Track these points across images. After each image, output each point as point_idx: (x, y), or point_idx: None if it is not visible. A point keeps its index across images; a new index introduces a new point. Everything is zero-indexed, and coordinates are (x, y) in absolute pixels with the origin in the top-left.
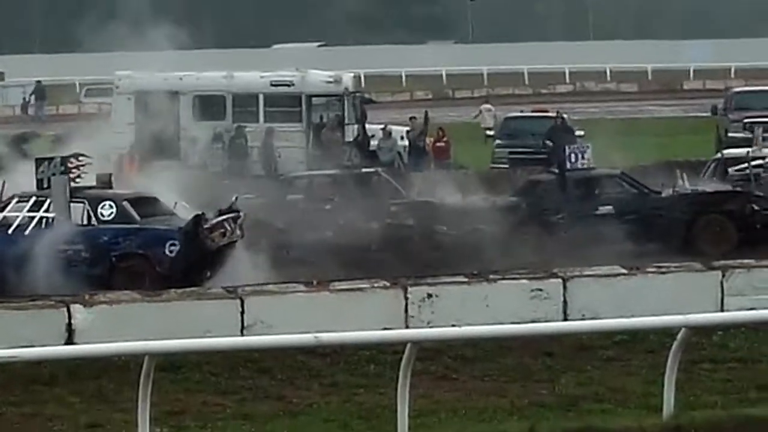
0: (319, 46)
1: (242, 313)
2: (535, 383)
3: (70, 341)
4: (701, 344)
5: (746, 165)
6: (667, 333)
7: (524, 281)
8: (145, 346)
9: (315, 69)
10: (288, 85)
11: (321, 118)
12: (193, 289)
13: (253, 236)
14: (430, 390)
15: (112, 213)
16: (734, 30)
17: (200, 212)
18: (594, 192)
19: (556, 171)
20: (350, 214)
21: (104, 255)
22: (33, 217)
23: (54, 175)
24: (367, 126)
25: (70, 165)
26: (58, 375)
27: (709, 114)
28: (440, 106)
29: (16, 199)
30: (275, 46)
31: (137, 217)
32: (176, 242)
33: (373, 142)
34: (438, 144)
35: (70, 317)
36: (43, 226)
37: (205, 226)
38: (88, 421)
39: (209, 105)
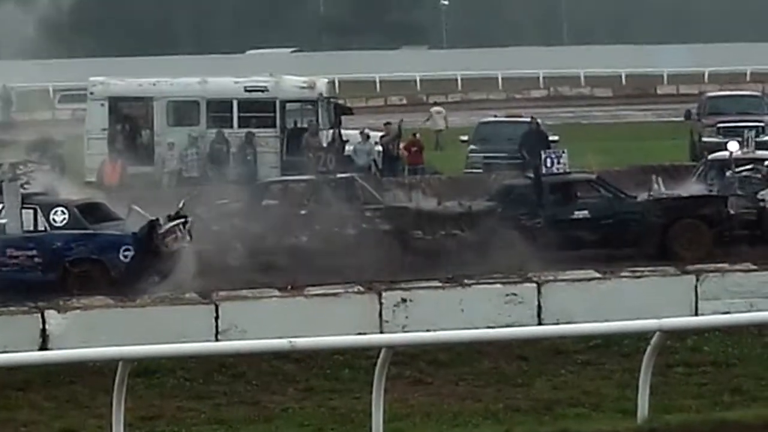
0: (293, 51)
1: (216, 318)
2: (509, 387)
3: (44, 347)
4: (675, 348)
5: (747, 167)
6: (642, 337)
7: (498, 286)
8: (119, 351)
9: (289, 75)
10: (262, 91)
11: (295, 123)
12: (167, 294)
13: (225, 241)
14: (404, 394)
15: (64, 219)
16: (708, 35)
17: (155, 218)
18: (570, 196)
19: (532, 176)
20: (325, 220)
21: (58, 260)
22: None
23: (2, 181)
24: (342, 131)
25: (18, 171)
26: (32, 381)
27: (682, 118)
28: (415, 111)
29: None
30: (249, 52)
31: (87, 224)
32: (130, 247)
33: (349, 147)
34: (412, 149)
35: (44, 323)
36: None
37: (160, 232)
38: (62, 427)
39: (183, 110)
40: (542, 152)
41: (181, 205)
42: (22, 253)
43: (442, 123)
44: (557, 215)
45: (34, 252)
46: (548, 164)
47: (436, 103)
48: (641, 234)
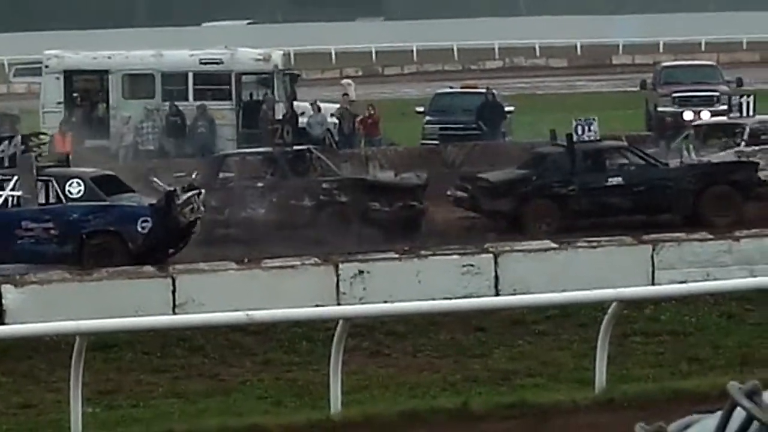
0: (249, 23)
1: (174, 291)
2: (467, 358)
3: (0, 321)
4: (633, 318)
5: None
6: (599, 307)
7: (455, 257)
8: (76, 325)
9: (244, 47)
10: (217, 63)
11: (251, 96)
12: (124, 268)
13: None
14: (362, 366)
15: (80, 191)
16: (663, 4)
17: (172, 188)
18: (602, 164)
19: (564, 144)
20: (282, 192)
21: (74, 232)
22: None
23: (14, 153)
24: (295, 103)
25: (30, 143)
26: None
27: (638, 88)
28: (370, 83)
29: None
30: (204, 24)
31: (104, 195)
32: (148, 219)
33: (303, 119)
34: (368, 120)
35: (0, 297)
36: (9, 204)
37: (178, 203)
38: (19, 401)
39: (138, 83)
40: (573, 120)
41: (194, 176)
42: (38, 226)
43: (353, 94)
44: (590, 183)
45: (50, 224)
46: (579, 132)
47: (347, 76)
48: (674, 201)
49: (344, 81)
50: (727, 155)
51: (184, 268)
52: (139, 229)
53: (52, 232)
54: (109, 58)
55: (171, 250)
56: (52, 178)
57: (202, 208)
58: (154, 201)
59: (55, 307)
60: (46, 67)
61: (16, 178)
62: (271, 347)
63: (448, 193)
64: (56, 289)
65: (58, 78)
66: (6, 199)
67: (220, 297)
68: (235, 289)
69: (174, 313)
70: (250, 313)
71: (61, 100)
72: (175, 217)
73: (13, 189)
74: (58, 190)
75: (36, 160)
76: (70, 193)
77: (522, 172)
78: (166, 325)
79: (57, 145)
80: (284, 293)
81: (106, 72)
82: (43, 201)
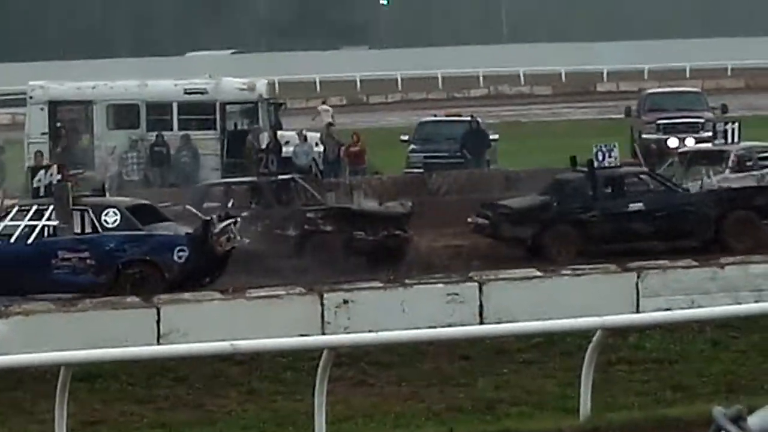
0: (233, 53)
1: (158, 322)
2: (452, 387)
3: None
4: (617, 346)
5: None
6: (584, 335)
7: (440, 285)
8: (61, 356)
9: (229, 76)
10: (202, 93)
11: (235, 125)
12: (108, 298)
13: None
14: (347, 396)
15: (116, 220)
16: (647, 32)
17: (209, 217)
18: (623, 189)
19: (585, 169)
20: (267, 221)
21: (110, 262)
22: (34, 226)
23: (50, 183)
24: (280, 132)
25: (66, 173)
26: None
27: (622, 116)
28: (355, 111)
29: (16, 209)
30: (189, 54)
31: (139, 225)
32: (185, 248)
33: (289, 148)
34: (352, 149)
35: None
36: (46, 234)
37: (214, 232)
38: None
39: (123, 114)
40: (594, 145)
41: (230, 204)
42: (74, 255)
43: (329, 120)
44: (612, 208)
45: (87, 254)
46: (600, 158)
47: (324, 102)
48: (695, 226)
49: (321, 107)
50: (747, 180)
51: (168, 298)
52: (176, 258)
53: (89, 261)
54: (94, 88)
55: (207, 279)
56: (87, 208)
57: (238, 237)
58: (190, 230)
59: (39, 337)
60: (31, 98)
61: (51, 207)
62: (256, 377)
63: (469, 220)
64: (41, 320)
65: (42, 108)
66: (42, 229)
67: (204, 327)
68: (219, 319)
69: (159, 343)
70: (234, 343)
71: (46, 130)
72: (212, 246)
73: (49, 218)
74: (94, 220)
75: (71, 190)
76: (106, 222)
77: (543, 198)
78: (151, 355)
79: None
80: (269, 323)
81: (91, 102)
82: (79, 231)
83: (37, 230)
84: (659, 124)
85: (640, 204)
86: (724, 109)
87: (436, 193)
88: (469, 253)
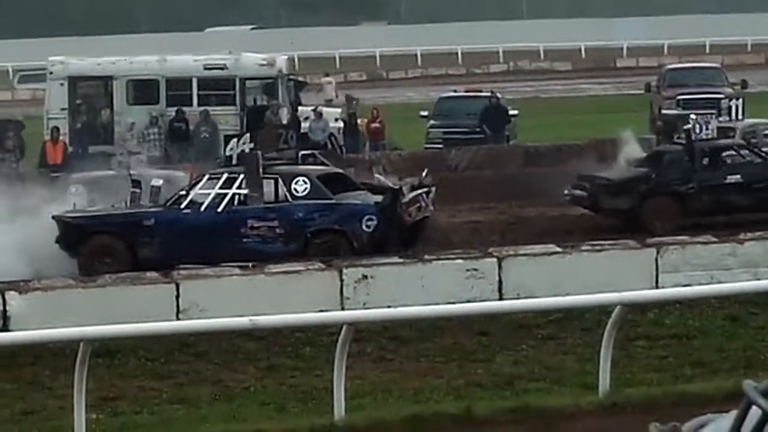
0: (252, 29)
1: (177, 297)
2: (471, 363)
3: (4, 328)
4: (636, 321)
5: None
6: (603, 311)
7: (459, 261)
8: (80, 332)
9: (248, 52)
10: (221, 69)
11: (255, 101)
12: (127, 274)
13: None
14: (366, 371)
15: (306, 189)
16: (667, 7)
17: (397, 187)
18: (721, 161)
19: (683, 141)
20: None
21: (299, 231)
22: (225, 194)
23: (243, 151)
24: (300, 108)
25: (259, 141)
26: None
27: (642, 91)
28: (374, 87)
29: (207, 176)
30: (208, 30)
31: (330, 193)
32: (373, 217)
33: (305, 125)
34: (372, 125)
35: (4, 304)
36: (236, 203)
37: (403, 201)
38: (23, 408)
39: (143, 89)
40: (691, 118)
41: (424, 174)
42: (264, 224)
43: (332, 92)
44: (710, 180)
45: (276, 223)
46: (698, 130)
47: (327, 74)
48: None
49: (324, 79)
50: None
51: (187, 273)
52: (364, 227)
53: (278, 230)
54: (113, 63)
55: (398, 248)
56: (278, 176)
57: (431, 207)
58: (379, 199)
59: (58, 313)
60: (51, 73)
61: (242, 176)
62: (275, 353)
63: (566, 192)
64: (60, 296)
65: (62, 84)
66: (233, 197)
67: (223, 302)
68: (238, 294)
69: (178, 318)
70: (253, 318)
71: (66, 106)
72: (400, 215)
73: (239, 187)
74: (284, 188)
75: (262, 158)
76: (296, 191)
77: (641, 170)
78: (170, 330)
79: (48, 154)
80: (288, 298)
81: (111, 78)
82: (269, 199)
83: (227, 198)
84: (679, 100)
85: (738, 176)
86: (744, 84)
87: (455, 169)
88: (489, 229)
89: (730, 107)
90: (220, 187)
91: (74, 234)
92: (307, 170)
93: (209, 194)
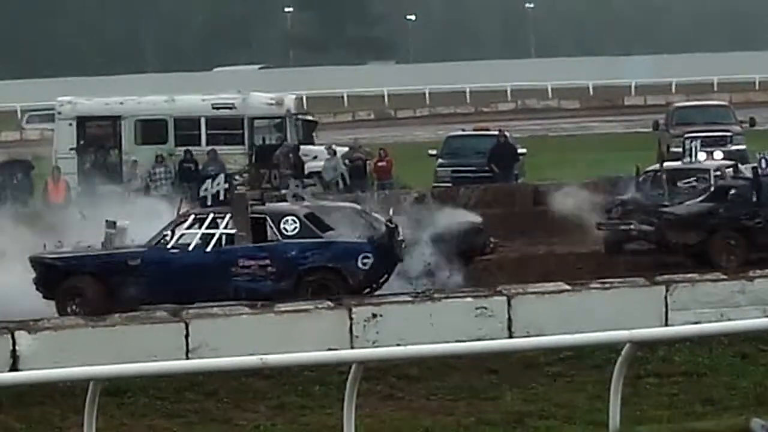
0: (261, 68)
1: (187, 336)
2: (481, 401)
3: (14, 368)
4: (646, 359)
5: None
6: (613, 348)
7: (469, 299)
8: (90, 371)
9: (257, 91)
10: (230, 108)
11: (263, 140)
12: (136, 313)
13: None
14: (376, 409)
15: (295, 228)
16: (673, 45)
17: (394, 224)
18: None
19: (750, 176)
20: None
21: (292, 269)
22: (212, 235)
23: (218, 192)
24: (309, 147)
25: (234, 182)
26: (2, 401)
27: (650, 129)
28: (382, 126)
29: (192, 217)
30: (216, 69)
31: (318, 232)
32: (369, 255)
33: (319, 162)
34: (380, 164)
35: (14, 343)
36: (223, 243)
37: (398, 238)
38: None
39: (151, 129)
40: (758, 153)
41: (390, 212)
42: (255, 263)
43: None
44: None
45: (267, 261)
46: (764, 165)
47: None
48: None
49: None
50: None
51: (196, 312)
52: (360, 265)
53: (269, 269)
54: (122, 103)
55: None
56: (266, 216)
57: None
58: (371, 236)
59: (68, 352)
60: (59, 113)
61: (229, 216)
62: (285, 391)
63: (632, 227)
64: (69, 335)
65: (71, 124)
66: (219, 238)
67: (233, 341)
68: (248, 333)
69: (187, 357)
70: (263, 357)
71: (74, 146)
72: (397, 252)
73: (226, 227)
74: (273, 228)
75: (248, 198)
76: (286, 230)
77: (707, 204)
78: (180, 369)
79: (50, 192)
80: (297, 337)
81: (119, 118)
82: (257, 238)
83: (215, 239)
84: (686, 138)
85: None
86: (753, 122)
87: (465, 206)
88: (498, 267)
89: (691, 149)
90: (207, 228)
91: (50, 275)
92: (295, 209)
93: (195, 234)
